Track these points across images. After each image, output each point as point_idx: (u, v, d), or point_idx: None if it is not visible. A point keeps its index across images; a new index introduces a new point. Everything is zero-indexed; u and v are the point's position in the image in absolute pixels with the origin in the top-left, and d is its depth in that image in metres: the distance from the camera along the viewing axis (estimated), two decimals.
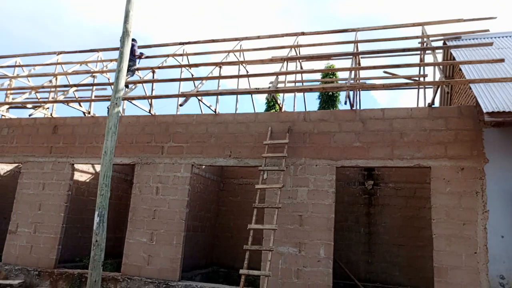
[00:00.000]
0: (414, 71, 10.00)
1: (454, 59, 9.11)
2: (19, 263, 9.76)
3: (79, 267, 10.28)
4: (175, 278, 8.51)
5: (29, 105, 11.20)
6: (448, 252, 7.06)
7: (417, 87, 10.07)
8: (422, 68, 9.50)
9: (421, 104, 10.40)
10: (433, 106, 8.02)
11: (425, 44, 9.84)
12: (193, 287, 8.29)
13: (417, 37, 10.04)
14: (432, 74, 9.22)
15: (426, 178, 10.10)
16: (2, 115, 11.65)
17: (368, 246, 10.81)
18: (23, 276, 9.55)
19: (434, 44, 9.94)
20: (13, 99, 11.70)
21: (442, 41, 10.32)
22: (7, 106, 11.18)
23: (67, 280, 9.23)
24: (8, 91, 11.71)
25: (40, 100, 11.94)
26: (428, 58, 10.10)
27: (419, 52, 9.81)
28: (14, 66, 12.85)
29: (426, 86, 9.48)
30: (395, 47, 9.50)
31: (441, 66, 8.45)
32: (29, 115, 10.57)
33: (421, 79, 8.96)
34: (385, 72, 9.72)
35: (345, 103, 7.85)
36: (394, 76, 9.61)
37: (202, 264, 11.66)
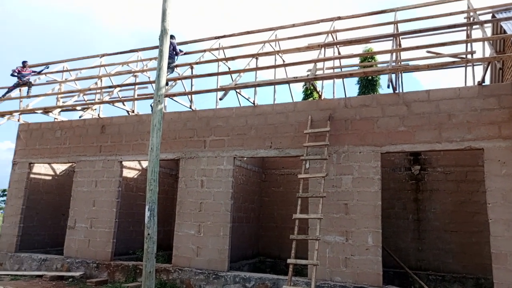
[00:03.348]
0: (460, 48, 9.47)
1: (504, 32, 8.51)
2: (79, 256, 10.41)
3: (133, 259, 10.79)
4: (224, 269, 8.71)
5: (78, 107, 11.80)
6: (507, 237, 6.69)
7: (464, 65, 9.52)
8: (469, 44, 8.97)
9: (469, 83, 9.86)
10: (483, 84, 7.57)
11: (471, 18, 9.26)
12: (242, 277, 8.46)
13: (462, 12, 9.46)
14: (481, 50, 8.71)
15: (478, 161, 9.60)
16: (55, 118, 12.37)
17: (417, 233, 10.47)
18: (83, 268, 10.18)
19: (482, 18, 9.34)
20: (63, 102, 12.37)
21: (491, 14, 9.66)
22: (59, 110, 11.86)
23: (123, 272, 9.73)
24: (59, 95, 12.39)
25: (88, 102, 12.55)
26: (476, 34, 9.52)
27: (465, 28, 9.26)
28: (62, 71, 13.56)
29: (475, 64, 8.95)
30: (438, 25, 9.02)
31: (491, 41, 7.93)
32: (80, 117, 11.14)
33: (469, 56, 8.47)
34: (428, 52, 9.28)
35: (388, 86, 7.59)
36: (439, 55, 9.14)
37: (248, 254, 11.84)
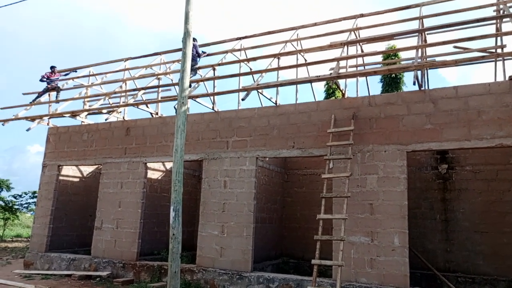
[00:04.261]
0: (489, 42, 9.15)
1: None
2: (105, 256, 10.64)
3: (158, 260, 10.93)
4: (248, 269, 8.71)
5: (104, 111, 12.07)
6: None
7: (494, 59, 9.19)
8: (499, 38, 8.65)
9: (500, 78, 9.50)
10: None
11: (501, 11, 8.93)
12: (266, 278, 8.44)
13: (491, 5, 9.13)
14: None
15: (510, 159, 9.27)
16: (82, 122, 12.71)
17: (445, 233, 10.17)
18: (110, 268, 10.40)
19: None
20: (90, 106, 12.69)
21: None
22: (86, 113, 12.16)
23: (148, 272, 9.87)
24: (86, 99, 12.73)
25: (113, 105, 12.81)
26: (506, 27, 9.17)
27: (494, 21, 8.94)
28: (89, 76, 13.92)
29: (506, 58, 8.61)
30: (466, 19, 8.74)
31: None
32: (105, 120, 11.39)
33: (499, 50, 8.17)
34: (455, 47, 8.99)
35: (414, 83, 7.40)
36: (467, 50, 8.85)
37: (272, 255, 11.80)
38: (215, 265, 9.12)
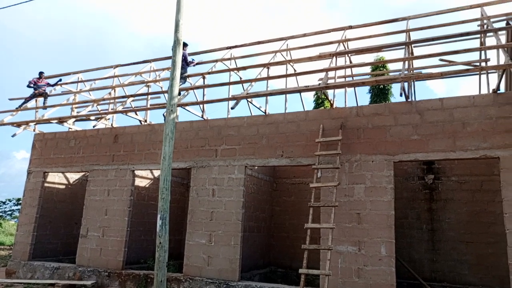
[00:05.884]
0: (474, 56, 9.38)
1: None
2: (90, 264, 10.46)
3: (144, 268, 10.80)
4: (235, 278, 8.65)
5: (92, 117, 11.97)
6: None
7: (479, 73, 9.42)
8: (483, 52, 8.88)
9: (484, 91, 9.73)
10: (498, 92, 7.46)
11: (485, 26, 9.18)
12: (253, 287, 8.39)
13: (475, 20, 9.37)
14: (496, 57, 8.61)
15: (494, 170, 9.43)
16: (69, 128, 12.57)
17: (431, 243, 10.27)
18: (95, 277, 10.22)
19: (496, 25, 9.24)
20: (77, 112, 12.57)
21: (505, 22, 9.55)
22: (73, 119, 12.04)
23: (134, 281, 9.73)
24: (73, 105, 12.61)
25: (101, 111, 12.71)
26: (490, 41, 9.41)
27: (478, 35, 9.18)
28: (77, 82, 13.80)
29: (489, 71, 8.84)
30: (451, 33, 8.96)
31: (505, 48, 7.84)
32: (93, 127, 11.29)
33: (483, 64, 8.38)
34: (441, 60, 9.19)
35: (401, 95, 7.53)
36: (452, 63, 9.06)
37: (259, 264, 11.75)
38: (202, 274, 9.03)
